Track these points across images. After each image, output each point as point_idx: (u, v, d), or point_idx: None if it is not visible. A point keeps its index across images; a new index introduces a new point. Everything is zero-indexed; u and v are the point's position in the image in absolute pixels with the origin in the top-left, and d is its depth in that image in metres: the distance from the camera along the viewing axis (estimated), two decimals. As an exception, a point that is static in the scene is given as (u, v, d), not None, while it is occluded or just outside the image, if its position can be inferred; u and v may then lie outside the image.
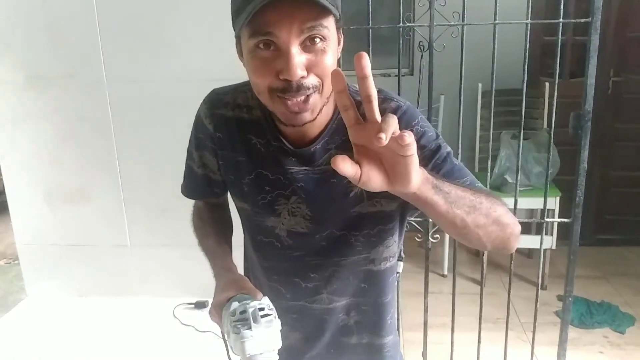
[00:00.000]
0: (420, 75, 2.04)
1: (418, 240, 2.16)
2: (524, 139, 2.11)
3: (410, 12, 2.08)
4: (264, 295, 0.95)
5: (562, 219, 2.10)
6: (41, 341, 2.19)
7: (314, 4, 0.82)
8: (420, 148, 0.94)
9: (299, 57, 0.84)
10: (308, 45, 0.85)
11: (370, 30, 1.92)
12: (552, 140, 2.05)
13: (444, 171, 0.96)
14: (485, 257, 2.23)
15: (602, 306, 3.05)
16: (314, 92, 0.88)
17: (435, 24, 1.89)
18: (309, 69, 0.86)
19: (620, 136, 3.69)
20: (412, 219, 1.99)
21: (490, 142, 2.16)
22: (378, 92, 0.99)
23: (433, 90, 1.96)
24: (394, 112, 0.95)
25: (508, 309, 2.22)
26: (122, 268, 2.45)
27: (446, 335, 2.30)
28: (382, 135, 0.67)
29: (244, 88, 1.05)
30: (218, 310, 0.95)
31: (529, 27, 1.89)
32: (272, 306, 0.83)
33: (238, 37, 0.91)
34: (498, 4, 1.86)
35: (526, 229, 3.46)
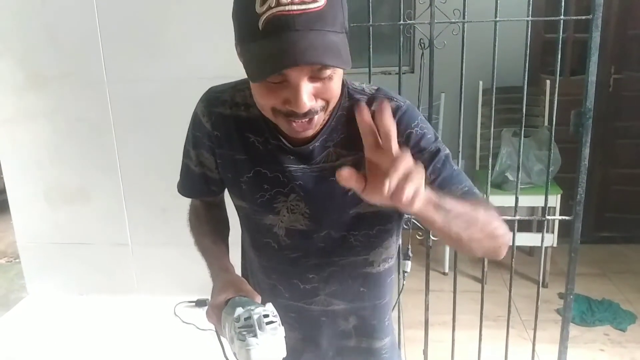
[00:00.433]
0: (420, 73, 2.03)
1: (419, 238, 2.16)
2: (524, 137, 2.11)
3: (411, 9, 2.08)
4: (261, 295, 0.94)
5: (563, 217, 2.10)
6: (42, 339, 2.19)
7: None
8: (420, 150, 0.96)
9: (307, 88, 0.83)
10: (316, 73, 0.84)
11: (371, 28, 1.91)
12: (552, 138, 2.05)
13: (443, 176, 0.97)
14: (484, 260, 2.23)
15: (603, 304, 3.05)
16: (319, 112, 0.88)
17: (435, 21, 1.88)
18: (317, 95, 0.86)
19: (621, 134, 3.69)
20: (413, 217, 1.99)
21: (491, 140, 2.16)
22: (376, 90, 1.00)
23: (434, 88, 1.96)
24: (394, 112, 0.95)
25: (509, 306, 2.22)
26: (123, 267, 2.45)
27: (447, 333, 2.30)
28: (386, 186, 0.72)
29: (242, 86, 1.04)
30: (216, 311, 0.94)
31: (529, 25, 1.89)
32: (276, 312, 0.82)
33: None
34: (499, 2, 1.85)
35: (527, 226, 3.46)
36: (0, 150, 2.38)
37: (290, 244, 1.07)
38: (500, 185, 3.17)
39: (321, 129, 0.97)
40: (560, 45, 1.88)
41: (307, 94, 0.83)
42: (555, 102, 1.98)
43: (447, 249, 3.43)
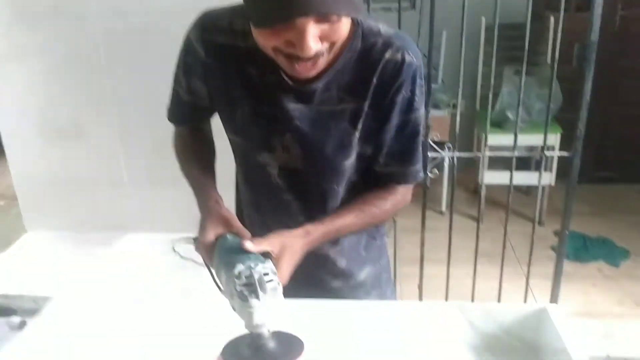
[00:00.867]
0: (421, 9, 1.97)
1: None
2: (526, 75, 2.06)
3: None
4: (251, 230, 0.93)
5: (562, 153, 2.09)
6: (41, 276, 2.22)
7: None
8: (400, 111, 0.97)
9: (313, 32, 0.79)
10: (323, 15, 0.79)
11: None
12: (554, 74, 2.01)
13: (399, 146, 1.00)
14: (483, 195, 2.24)
15: (597, 241, 3.09)
16: (325, 54, 0.85)
17: (437, -47, 1.81)
18: (323, 37, 0.82)
19: (625, 73, 3.62)
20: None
21: (492, 78, 2.11)
22: (394, 35, 0.96)
23: (435, 25, 1.90)
24: (401, 64, 0.94)
25: (504, 241, 2.25)
26: (120, 204, 2.45)
27: (442, 269, 2.34)
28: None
29: (241, 11, 0.96)
30: (207, 248, 0.93)
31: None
32: (275, 270, 0.81)
33: None
34: None
35: (525, 165, 3.46)
36: (-10, 87, 2.35)
37: (282, 185, 1.06)
38: (500, 124, 3.14)
39: (327, 69, 0.93)
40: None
41: (314, 37, 0.80)
42: (559, 38, 1.93)
43: (445, 189, 3.43)
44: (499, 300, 2.31)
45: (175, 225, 2.38)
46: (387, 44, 0.94)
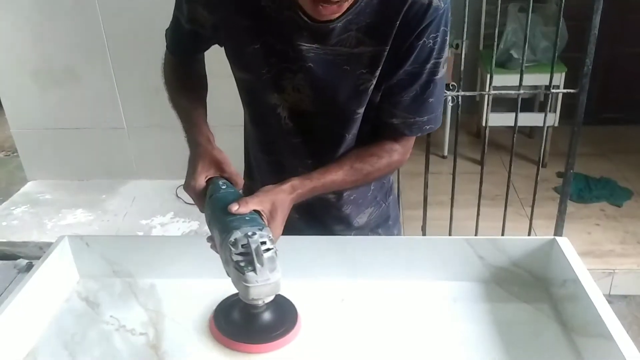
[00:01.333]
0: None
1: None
2: (531, 13, 1.99)
3: None
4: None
5: (569, 90, 2.04)
6: (44, 223, 2.23)
7: None
8: (418, 61, 0.91)
9: None
10: None
11: None
12: (562, 9, 1.94)
13: (410, 96, 0.94)
14: (487, 135, 2.20)
15: (600, 181, 3.08)
16: None
17: None
18: None
19: (632, 8, 3.51)
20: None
21: (498, 16, 2.04)
22: None
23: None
24: (427, 8, 0.86)
25: (508, 183, 2.23)
26: (121, 150, 2.43)
27: (445, 211, 2.34)
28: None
29: None
30: (199, 193, 0.89)
31: None
32: (271, 237, 0.78)
33: None
34: None
35: (528, 107, 3.42)
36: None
37: (292, 128, 1.01)
38: (505, 64, 3.07)
39: (348, 8, 0.86)
40: None
41: None
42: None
43: (447, 133, 3.40)
44: (502, 240, 2.32)
45: (178, 171, 2.37)
46: None
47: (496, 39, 2.05)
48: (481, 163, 2.25)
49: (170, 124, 2.45)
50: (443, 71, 0.95)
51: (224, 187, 0.88)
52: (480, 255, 1.03)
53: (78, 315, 1.02)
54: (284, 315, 0.91)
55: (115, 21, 2.17)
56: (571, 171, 2.13)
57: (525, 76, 2.02)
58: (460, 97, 2.08)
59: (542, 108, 3.35)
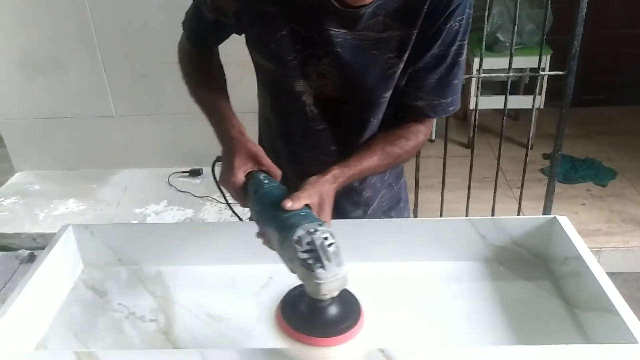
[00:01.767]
0: None
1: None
2: (518, -6, 2.01)
3: None
4: (278, 163, 0.90)
5: (557, 72, 2.07)
6: (35, 215, 2.20)
7: None
8: (442, 44, 0.92)
9: None
10: None
11: None
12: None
13: (435, 78, 0.95)
14: (475, 118, 2.23)
15: (585, 162, 3.14)
16: None
17: None
18: None
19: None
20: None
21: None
22: None
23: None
24: None
25: (498, 165, 2.26)
26: (110, 139, 2.41)
27: (435, 194, 2.37)
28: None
29: None
30: (240, 189, 0.89)
31: None
32: (332, 231, 0.78)
33: None
34: None
35: (514, 89, 3.45)
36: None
37: (317, 115, 1.00)
38: (491, 47, 3.10)
39: None
40: None
41: None
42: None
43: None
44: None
45: (170, 159, 2.36)
46: None
47: (486, 22, 2.07)
48: (472, 146, 2.28)
49: (160, 112, 2.46)
50: (465, 53, 0.96)
51: (266, 181, 0.88)
52: (483, 235, 1.05)
53: (86, 304, 1.02)
54: (349, 307, 0.90)
55: (103, 8, 2.13)
56: (559, 152, 2.16)
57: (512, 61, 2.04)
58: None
59: (527, 91, 3.38)
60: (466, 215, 2.35)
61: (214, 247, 1.08)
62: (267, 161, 0.91)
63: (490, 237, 1.05)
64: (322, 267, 0.73)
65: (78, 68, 2.26)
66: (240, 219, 1.17)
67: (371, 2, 0.86)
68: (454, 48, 0.93)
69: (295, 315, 0.87)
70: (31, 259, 1.15)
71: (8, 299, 0.89)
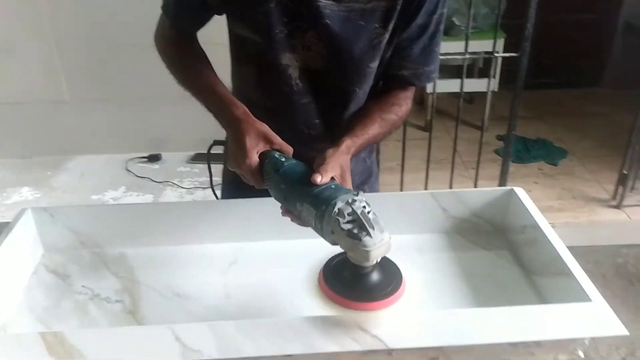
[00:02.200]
0: None
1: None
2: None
3: None
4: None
5: (511, 54, 2.13)
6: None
7: None
8: (430, 12, 0.95)
9: None
10: None
11: None
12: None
13: (419, 46, 0.98)
14: (433, 102, 2.28)
15: (537, 142, 3.25)
16: None
17: None
18: None
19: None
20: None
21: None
22: None
23: None
24: None
25: (454, 147, 2.32)
26: (65, 125, 2.34)
27: (395, 177, 2.41)
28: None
29: None
30: (255, 172, 0.87)
31: None
32: (366, 199, 0.79)
33: None
34: None
35: (469, 73, 3.52)
36: None
37: (302, 88, 1.00)
38: (447, 31, 3.15)
39: None
40: None
41: None
42: None
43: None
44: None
45: (127, 144, 2.32)
46: None
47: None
48: (429, 129, 2.33)
49: (117, 97, 2.41)
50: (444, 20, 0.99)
51: (282, 159, 0.88)
52: (444, 208, 1.08)
53: (48, 288, 1.00)
54: (389, 273, 0.92)
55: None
56: (513, 133, 2.23)
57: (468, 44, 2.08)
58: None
59: (482, 74, 3.46)
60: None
61: (179, 227, 1.08)
62: (278, 139, 0.91)
63: (451, 210, 1.08)
64: (368, 234, 0.75)
65: (30, 52, 2.19)
66: (217, 197, 1.16)
67: None
68: (435, 16, 0.96)
69: (340, 283, 0.89)
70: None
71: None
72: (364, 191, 1.22)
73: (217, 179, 1.16)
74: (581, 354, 0.81)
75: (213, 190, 1.12)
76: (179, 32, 1.05)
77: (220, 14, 1.00)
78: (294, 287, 0.96)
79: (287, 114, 1.04)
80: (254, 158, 0.88)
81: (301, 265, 1.00)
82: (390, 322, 0.77)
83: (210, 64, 1.06)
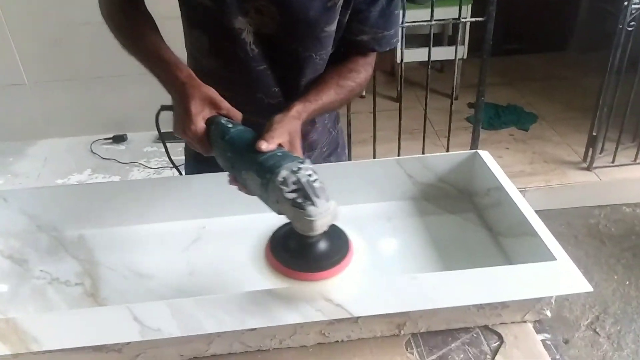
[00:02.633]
0: None
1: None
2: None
3: None
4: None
5: (477, 19, 2.12)
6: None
7: None
8: None
9: None
10: None
11: None
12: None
13: (377, 11, 0.95)
14: (402, 72, 2.25)
15: (508, 108, 3.26)
16: None
17: None
18: None
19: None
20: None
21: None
22: None
23: None
24: None
25: (425, 116, 2.31)
26: (24, 109, 2.27)
27: (368, 149, 2.40)
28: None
29: None
30: (202, 138, 0.83)
31: None
32: (312, 167, 0.75)
33: None
34: None
35: (438, 41, 3.51)
36: None
37: (258, 54, 0.96)
38: (413, -1, 3.12)
39: None
40: None
41: None
42: None
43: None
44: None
45: (90, 126, 2.26)
46: None
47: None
48: (399, 99, 2.31)
49: (76, 77, 2.33)
50: None
51: (229, 125, 0.83)
52: (410, 174, 1.06)
53: (4, 274, 0.96)
54: (338, 241, 0.86)
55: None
56: (482, 99, 2.22)
57: (434, 10, 2.07)
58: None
59: (450, 42, 3.45)
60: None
61: (139, 205, 1.05)
62: (225, 104, 0.86)
63: (417, 176, 1.07)
64: (313, 203, 0.72)
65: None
66: (181, 174, 1.13)
67: None
68: None
69: (287, 254, 0.84)
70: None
71: None
72: (330, 162, 1.21)
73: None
74: (548, 313, 0.81)
75: (173, 163, 1.08)
76: None
77: None
78: (260, 262, 0.94)
79: (244, 83, 1.01)
80: (200, 124, 0.83)
81: (267, 239, 0.98)
82: (355, 290, 0.76)
83: (157, 28, 1.00)
